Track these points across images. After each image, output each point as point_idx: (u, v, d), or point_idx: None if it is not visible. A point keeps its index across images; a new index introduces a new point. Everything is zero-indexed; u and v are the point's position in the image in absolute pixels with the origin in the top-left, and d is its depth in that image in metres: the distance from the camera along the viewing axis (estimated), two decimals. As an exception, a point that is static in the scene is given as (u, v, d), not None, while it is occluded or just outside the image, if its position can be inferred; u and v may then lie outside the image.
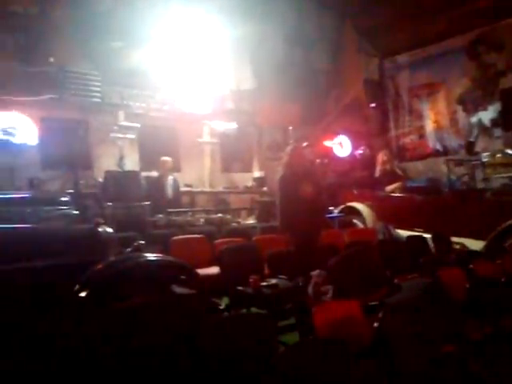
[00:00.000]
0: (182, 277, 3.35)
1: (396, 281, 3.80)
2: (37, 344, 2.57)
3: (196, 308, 3.26)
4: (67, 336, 2.70)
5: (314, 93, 11.04)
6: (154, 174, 8.05)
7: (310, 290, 3.78)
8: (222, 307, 3.45)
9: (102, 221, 3.79)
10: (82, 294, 3.08)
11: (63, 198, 6.01)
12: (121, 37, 8.38)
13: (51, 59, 7.66)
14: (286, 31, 10.52)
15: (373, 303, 3.21)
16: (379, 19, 10.21)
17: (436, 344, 2.91)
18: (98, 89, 8.18)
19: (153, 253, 4.06)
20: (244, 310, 4.31)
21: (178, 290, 3.39)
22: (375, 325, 2.78)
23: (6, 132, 6.96)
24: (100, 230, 3.73)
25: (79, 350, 2.60)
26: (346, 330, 2.89)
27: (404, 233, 7.44)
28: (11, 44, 7.80)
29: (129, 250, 3.63)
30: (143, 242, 3.65)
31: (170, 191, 7.86)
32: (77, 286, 3.10)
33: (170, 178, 7.97)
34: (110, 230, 3.72)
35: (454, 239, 6.51)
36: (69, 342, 2.64)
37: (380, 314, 2.83)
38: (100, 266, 3.25)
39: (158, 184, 7.76)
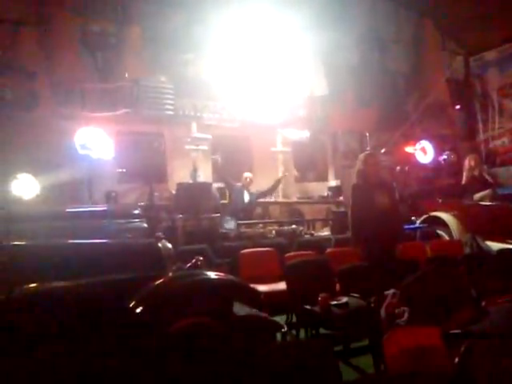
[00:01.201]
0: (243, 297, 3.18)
1: (483, 304, 3.33)
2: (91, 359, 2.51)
3: (256, 331, 3.06)
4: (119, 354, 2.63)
5: (393, 96, 10.54)
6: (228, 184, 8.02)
7: (382, 312, 3.41)
8: (285, 330, 3.18)
9: (163, 235, 3.67)
10: (137, 311, 2.99)
11: (135, 211, 6.06)
12: (192, 49, 8.47)
13: (126, 75, 7.88)
14: (360, 34, 10.13)
15: (455, 331, 2.80)
16: (464, 15, 9.53)
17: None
18: (171, 101, 8.29)
19: (214, 268, 3.93)
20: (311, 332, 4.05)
21: (240, 310, 3.20)
22: (457, 359, 2.38)
23: (84, 147, 7.20)
24: (160, 244, 3.63)
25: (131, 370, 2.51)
26: (421, 363, 2.53)
27: (495, 245, 6.76)
28: (91, 63, 8.14)
29: (187, 266, 3.49)
30: (201, 258, 3.49)
31: (246, 202, 7.78)
32: (133, 302, 3.01)
33: (247, 192, 7.92)
34: (169, 244, 3.60)
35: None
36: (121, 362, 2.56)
37: (463, 347, 2.41)
38: (157, 283, 3.15)
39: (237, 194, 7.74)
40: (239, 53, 8.84)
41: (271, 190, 8.46)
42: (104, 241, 3.94)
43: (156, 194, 7.63)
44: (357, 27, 10.04)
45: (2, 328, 2.62)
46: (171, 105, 8.30)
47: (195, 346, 2.67)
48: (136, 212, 6.11)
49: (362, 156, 5.27)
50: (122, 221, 5.85)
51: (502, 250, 5.87)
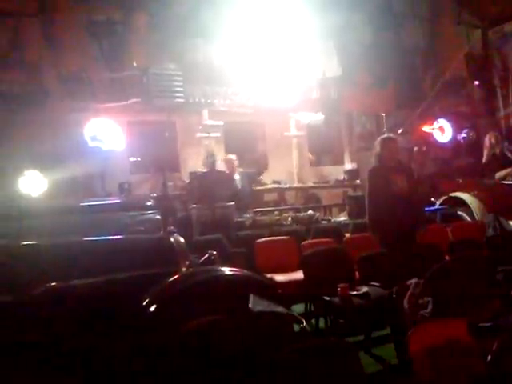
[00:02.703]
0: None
1: (512, 292, 3.17)
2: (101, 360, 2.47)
3: (273, 326, 2.95)
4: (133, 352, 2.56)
5: (408, 74, 10.23)
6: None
7: (405, 302, 3.26)
8: (303, 325, 3.06)
9: (175, 229, 3.56)
10: (151, 309, 2.91)
11: (148, 203, 5.98)
12: (201, 34, 8.28)
13: (134, 63, 7.74)
14: (373, 11, 9.80)
15: (484, 324, 2.64)
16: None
17: None
18: (181, 89, 8.14)
19: (229, 262, 3.81)
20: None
21: (256, 304, 3.09)
22: (489, 357, 2.21)
23: (94, 139, 7.11)
24: (172, 239, 3.52)
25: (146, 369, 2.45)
26: (448, 359, 2.38)
27: (520, 225, 6.54)
28: (97, 52, 8.00)
29: (200, 261, 3.37)
30: (215, 252, 3.37)
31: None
32: (146, 300, 2.93)
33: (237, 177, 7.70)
34: (181, 239, 3.48)
35: None
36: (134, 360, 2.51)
37: (496, 343, 2.23)
38: (170, 280, 3.06)
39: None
40: (249, 36, 8.61)
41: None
42: (114, 237, 3.85)
43: (170, 183, 7.52)
44: (369, 4, 9.71)
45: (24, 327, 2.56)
46: (181, 92, 8.15)
47: (210, 345, 2.59)
48: (149, 203, 6.04)
49: (379, 139, 5.13)
50: (135, 213, 5.79)
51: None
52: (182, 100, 8.14)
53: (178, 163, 8.51)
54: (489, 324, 2.62)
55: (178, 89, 8.13)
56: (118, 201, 6.48)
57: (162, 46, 8.09)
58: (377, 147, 5.03)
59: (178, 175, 8.16)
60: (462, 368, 2.30)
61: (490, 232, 6.48)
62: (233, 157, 7.78)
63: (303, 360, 2.32)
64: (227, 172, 7.50)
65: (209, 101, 8.54)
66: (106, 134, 7.31)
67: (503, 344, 2.22)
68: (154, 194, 6.29)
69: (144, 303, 2.90)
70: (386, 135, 5.67)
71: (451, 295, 3.13)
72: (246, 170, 7.90)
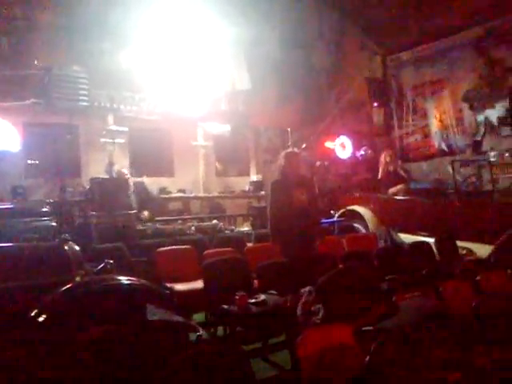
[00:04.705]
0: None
1: (394, 299, 3.41)
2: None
3: (169, 335, 2.94)
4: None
5: (314, 93, 10.67)
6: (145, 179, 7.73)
7: (299, 310, 3.40)
8: (200, 333, 3.07)
9: (69, 237, 3.42)
10: (40, 319, 2.77)
11: (43, 209, 5.69)
12: (110, 38, 8.04)
13: (35, 62, 7.34)
14: (283, 30, 10.15)
15: (367, 328, 2.82)
16: (382, 16, 9.83)
17: (438, 374, 2.54)
18: (86, 92, 7.84)
19: (126, 271, 3.74)
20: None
21: (153, 314, 3.06)
22: (368, 357, 2.40)
23: (-14, 139, 6.64)
24: (66, 247, 3.38)
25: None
26: (334, 361, 2.52)
27: (408, 237, 7.05)
28: (-6, 47, 7.50)
29: (96, 269, 3.27)
30: (111, 261, 3.29)
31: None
32: (35, 311, 2.79)
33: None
34: (76, 247, 3.36)
35: (460, 244, 6.12)
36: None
37: (374, 345, 2.44)
38: (63, 289, 2.93)
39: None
40: (159, 43, 8.54)
41: None
42: (5, 244, 3.64)
43: (70, 189, 7.20)
44: (280, 24, 10.03)
45: None
46: (86, 96, 7.84)
47: (106, 355, 2.51)
48: (44, 210, 5.76)
49: (283, 153, 5.33)
50: (29, 219, 5.49)
51: (413, 244, 6.14)
52: (86, 103, 7.83)
53: (79, 168, 8.16)
54: (371, 328, 2.80)
55: (83, 92, 7.81)
56: (11, 206, 6.11)
57: (67, 46, 7.76)
58: (280, 160, 5.21)
59: (78, 180, 7.82)
60: (345, 368, 2.45)
61: (382, 243, 6.94)
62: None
63: (193, 366, 2.33)
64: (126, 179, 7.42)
65: (115, 106, 8.32)
66: (-1, 135, 6.85)
67: (380, 344, 2.41)
68: (51, 200, 6.00)
69: (33, 314, 2.76)
70: (289, 149, 5.88)
71: (340, 302, 3.31)
72: (152, 177, 7.80)
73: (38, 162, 7.72)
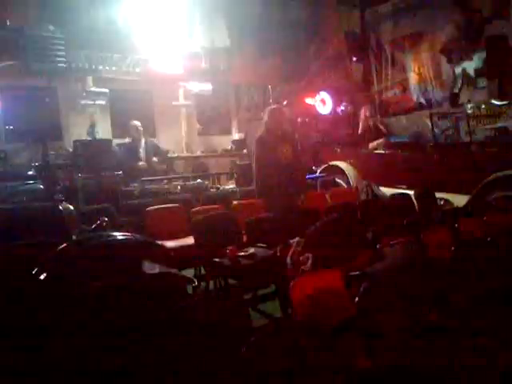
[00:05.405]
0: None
1: (378, 246, 3.59)
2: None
3: (167, 287, 3.07)
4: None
5: (294, 49, 10.59)
6: (127, 140, 7.69)
7: (288, 259, 3.56)
8: (195, 284, 3.22)
9: (62, 197, 3.48)
10: (41, 277, 2.86)
11: (29, 172, 5.69)
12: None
13: (8, 22, 7.13)
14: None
15: (354, 273, 3.00)
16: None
17: (420, 313, 2.74)
18: (63, 53, 7.66)
19: (120, 228, 3.82)
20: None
21: (149, 268, 3.17)
22: (357, 298, 2.59)
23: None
24: (60, 207, 3.45)
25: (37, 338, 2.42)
26: (325, 304, 2.70)
27: (388, 191, 7.26)
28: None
29: (91, 228, 3.36)
30: (106, 218, 3.37)
31: (144, 157, 7.56)
32: (35, 269, 2.88)
33: (144, 143, 7.63)
34: (70, 206, 3.44)
35: (439, 195, 6.34)
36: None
37: (362, 287, 2.62)
38: (61, 247, 3.02)
39: (131, 151, 7.44)
40: (137, 0, 8.34)
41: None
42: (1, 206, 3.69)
43: (52, 152, 7.15)
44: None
45: None
46: (63, 57, 7.67)
47: (108, 308, 2.63)
48: (30, 173, 5.76)
49: (267, 109, 5.38)
50: (16, 183, 5.49)
51: (393, 195, 6.35)
52: (63, 65, 7.66)
53: (60, 131, 8.07)
54: (358, 273, 2.98)
55: (60, 53, 7.62)
56: (-3, 170, 6.10)
57: (40, 5, 7.52)
58: (265, 116, 5.27)
59: (60, 144, 7.76)
60: (336, 310, 2.63)
61: (363, 196, 7.15)
62: (137, 123, 7.63)
63: (198, 315, 2.48)
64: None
65: (93, 67, 8.17)
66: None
67: (366, 287, 2.60)
68: (36, 164, 5.99)
69: (34, 272, 2.85)
70: (274, 105, 5.94)
71: (328, 250, 3.48)
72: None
73: (15, 126, 7.61)
